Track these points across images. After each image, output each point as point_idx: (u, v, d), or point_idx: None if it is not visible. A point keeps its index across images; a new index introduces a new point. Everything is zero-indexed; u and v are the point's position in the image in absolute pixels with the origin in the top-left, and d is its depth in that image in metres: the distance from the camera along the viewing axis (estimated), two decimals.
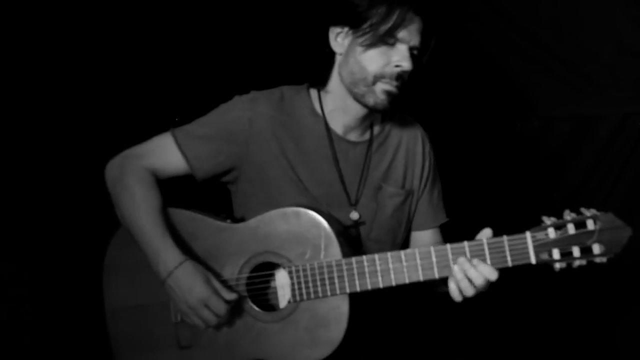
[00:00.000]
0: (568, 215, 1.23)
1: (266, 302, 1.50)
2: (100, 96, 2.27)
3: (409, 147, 1.61)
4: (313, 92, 1.56)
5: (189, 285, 1.38)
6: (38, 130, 2.17)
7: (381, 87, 1.42)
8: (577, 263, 1.23)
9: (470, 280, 1.28)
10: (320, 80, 1.53)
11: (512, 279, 2.41)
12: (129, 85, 2.30)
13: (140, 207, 1.46)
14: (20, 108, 2.12)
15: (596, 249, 1.21)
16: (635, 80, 2.08)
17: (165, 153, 1.51)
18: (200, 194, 1.67)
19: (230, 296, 1.40)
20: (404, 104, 1.53)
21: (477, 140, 2.41)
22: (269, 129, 1.49)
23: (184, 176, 1.55)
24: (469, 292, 1.29)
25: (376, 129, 1.59)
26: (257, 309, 1.45)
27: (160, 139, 1.53)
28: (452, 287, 1.31)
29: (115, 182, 1.50)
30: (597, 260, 1.22)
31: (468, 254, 1.28)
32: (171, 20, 2.32)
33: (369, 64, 1.41)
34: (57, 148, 2.20)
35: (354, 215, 1.52)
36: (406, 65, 1.40)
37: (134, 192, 1.47)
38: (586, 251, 1.22)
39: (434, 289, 1.54)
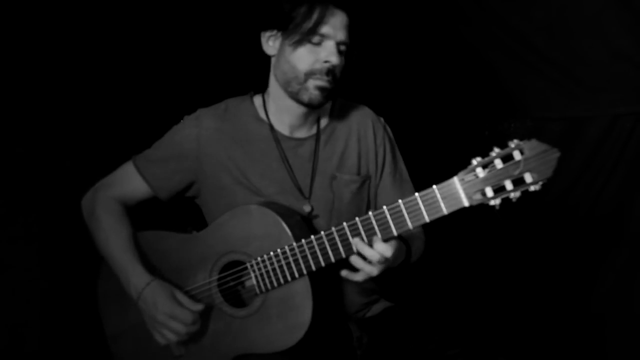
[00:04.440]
0: (494, 152, 1.18)
1: (241, 298, 1.51)
2: (106, 98, 2.34)
3: (360, 134, 1.60)
4: (257, 100, 1.60)
5: (154, 302, 1.42)
6: (51, 139, 2.23)
7: (313, 83, 1.43)
8: (512, 195, 1.16)
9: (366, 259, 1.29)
10: (260, 84, 1.57)
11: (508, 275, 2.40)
12: (132, 87, 2.38)
13: (109, 237, 1.53)
14: (27, 113, 2.18)
15: (528, 177, 1.14)
16: (625, 82, 2.07)
17: (129, 180, 1.59)
18: (174, 214, 1.73)
19: (196, 307, 1.43)
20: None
21: (472, 141, 2.42)
22: (216, 141, 1.53)
23: (156, 199, 1.61)
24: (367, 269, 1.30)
25: (323, 122, 1.60)
26: (231, 307, 1.46)
27: (124, 167, 1.61)
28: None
29: (89, 215, 1.59)
30: (532, 188, 1.14)
31: (404, 211, 1.24)
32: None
33: (299, 62, 1.43)
34: (70, 155, 2.27)
35: (306, 208, 1.52)
36: (334, 59, 1.41)
37: (103, 224, 1.54)
38: (519, 182, 1.15)
39: None
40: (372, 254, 1.27)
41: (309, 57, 1.42)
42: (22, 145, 2.17)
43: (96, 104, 2.33)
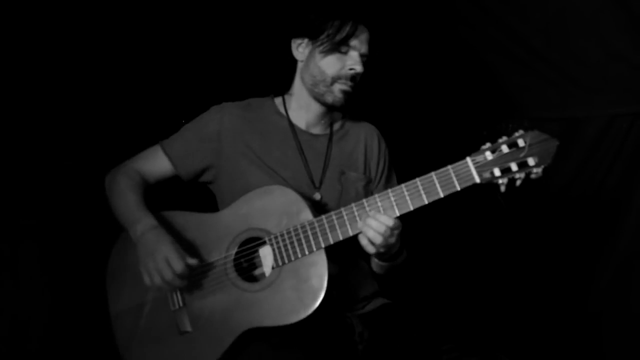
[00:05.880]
0: (501, 138, 1.33)
1: (255, 274, 1.57)
2: (110, 100, 2.37)
3: (367, 142, 1.78)
4: (277, 100, 1.77)
5: (156, 241, 1.50)
6: (53, 136, 2.24)
7: (338, 87, 1.62)
8: (517, 176, 1.29)
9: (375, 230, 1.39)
10: (285, 84, 1.74)
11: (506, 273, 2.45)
12: (137, 91, 2.42)
13: (125, 192, 1.63)
14: (29, 113, 2.18)
15: (531, 161, 1.28)
16: (621, 83, 2.10)
17: (153, 157, 1.71)
18: (190, 201, 1.79)
19: (190, 260, 1.49)
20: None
21: (470, 141, 2.45)
22: (238, 125, 1.67)
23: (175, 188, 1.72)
24: (378, 240, 1.40)
25: (336, 125, 1.78)
26: (244, 282, 1.51)
27: (150, 149, 1.73)
28: (364, 242, 1.43)
29: (110, 183, 1.70)
30: (534, 171, 1.28)
31: (421, 188, 1.36)
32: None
33: (328, 68, 1.61)
34: (74, 156, 2.28)
35: (317, 196, 1.65)
36: (359, 68, 1.61)
37: (120, 184, 1.65)
38: (523, 165, 1.29)
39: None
40: (378, 225, 1.40)
41: (337, 64, 1.61)
42: (23, 145, 2.18)
43: (105, 105, 2.36)
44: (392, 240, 1.42)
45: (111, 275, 1.69)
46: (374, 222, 1.39)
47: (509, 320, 2.47)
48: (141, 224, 1.55)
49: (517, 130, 1.33)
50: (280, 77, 1.75)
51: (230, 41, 2.48)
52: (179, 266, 1.46)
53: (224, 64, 2.47)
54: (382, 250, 1.43)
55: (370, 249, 1.42)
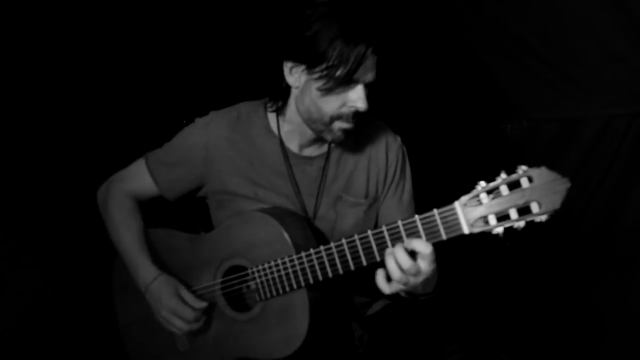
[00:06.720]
0: (500, 177, 1.12)
1: (244, 301, 1.52)
2: (112, 101, 2.34)
3: (372, 155, 1.55)
4: (270, 113, 1.53)
5: (159, 297, 1.45)
6: (59, 139, 2.25)
7: (339, 125, 1.38)
8: (516, 225, 1.13)
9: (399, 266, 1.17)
10: (277, 106, 1.50)
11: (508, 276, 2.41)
12: (138, 91, 2.37)
13: (119, 230, 1.55)
14: (29, 115, 2.19)
15: (535, 207, 1.09)
16: (619, 83, 2.04)
17: (140, 178, 1.59)
18: (184, 211, 1.73)
19: (199, 305, 1.44)
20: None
21: (468, 142, 2.41)
22: (224, 150, 1.50)
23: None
24: (397, 276, 1.17)
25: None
26: (233, 311, 1.47)
27: (137, 164, 1.61)
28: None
29: (102, 208, 1.62)
30: (537, 219, 1.11)
31: (403, 234, 1.19)
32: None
33: (326, 105, 1.36)
34: (83, 161, 2.29)
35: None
36: (362, 106, 1.34)
37: (114, 218, 1.57)
38: (524, 211, 1.10)
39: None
40: (405, 259, 1.15)
41: (337, 102, 1.35)
42: (23, 146, 2.18)
43: (103, 105, 2.32)
44: (419, 279, 1.16)
45: (117, 288, 1.68)
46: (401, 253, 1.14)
47: (515, 321, 2.45)
48: (141, 274, 1.49)
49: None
50: (275, 95, 1.50)
51: (225, 39, 2.37)
52: (189, 317, 1.43)
53: (219, 60, 2.38)
54: (402, 288, 1.19)
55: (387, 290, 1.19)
